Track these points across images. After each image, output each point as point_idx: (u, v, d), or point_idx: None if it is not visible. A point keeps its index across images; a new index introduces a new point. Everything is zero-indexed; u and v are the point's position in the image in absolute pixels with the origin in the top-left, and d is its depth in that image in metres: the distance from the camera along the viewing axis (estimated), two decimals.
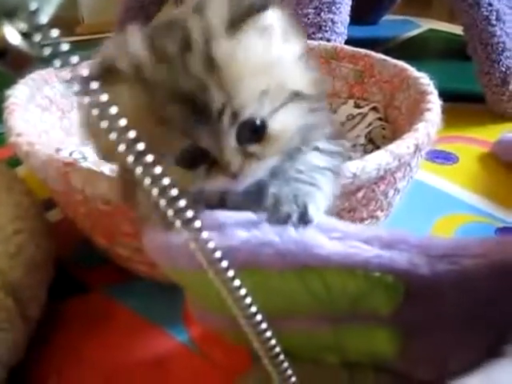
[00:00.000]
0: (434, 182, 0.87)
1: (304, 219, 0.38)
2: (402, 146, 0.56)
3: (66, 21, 1.56)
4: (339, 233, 0.38)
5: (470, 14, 1.03)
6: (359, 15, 1.03)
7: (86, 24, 1.65)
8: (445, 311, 0.37)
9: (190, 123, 0.37)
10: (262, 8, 0.40)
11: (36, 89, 0.72)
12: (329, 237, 0.38)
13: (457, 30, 1.50)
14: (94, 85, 0.26)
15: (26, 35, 0.25)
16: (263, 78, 0.39)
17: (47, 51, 0.25)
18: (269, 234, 0.37)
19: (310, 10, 0.96)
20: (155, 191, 0.28)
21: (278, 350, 0.33)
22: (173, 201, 0.29)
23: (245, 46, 0.39)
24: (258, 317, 0.32)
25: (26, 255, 0.56)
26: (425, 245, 0.37)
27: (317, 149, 0.45)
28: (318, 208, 0.40)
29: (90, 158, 0.72)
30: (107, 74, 0.37)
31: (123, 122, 0.27)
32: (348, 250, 0.37)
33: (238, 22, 0.39)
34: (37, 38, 0.25)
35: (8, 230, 0.56)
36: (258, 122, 0.39)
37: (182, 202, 0.29)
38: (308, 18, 0.96)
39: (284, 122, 0.41)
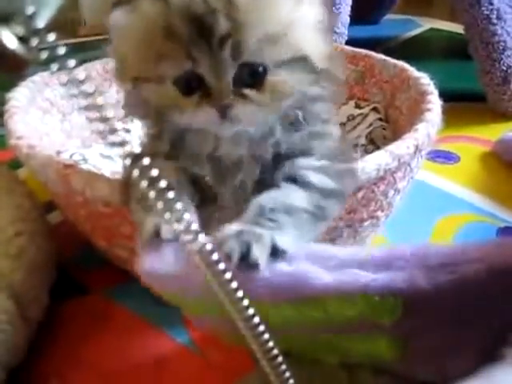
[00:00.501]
0: (436, 181, 0.87)
1: (247, 260, 0.36)
2: (401, 146, 0.56)
3: (67, 22, 1.57)
4: (333, 261, 0.37)
5: (471, 13, 1.02)
6: (360, 15, 1.03)
7: (88, 25, 1.65)
8: (444, 316, 0.37)
9: (194, 46, 0.38)
10: None
11: (37, 91, 0.73)
12: (323, 266, 0.37)
13: (458, 28, 1.49)
14: None
15: (22, 39, 0.25)
16: (275, 26, 0.39)
17: (44, 55, 0.25)
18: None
19: None
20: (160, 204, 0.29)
21: (275, 352, 0.33)
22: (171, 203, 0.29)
23: None
24: (256, 319, 0.32)
25: (27, 257, 0.56)
26: (422, 255, 0.37)
27: (305, 184, 0.44)
28: (263, 249, 0.37)
29: (90, 159, 0.72)
30: None
31: None
32: (345, 279, 0.36)
33: None
34: (34, 42, 0.25)
35: (9, 232, 0.56)
36: (259, 68, 0.40)
37: (179, 205, 0.29)
38: None
39: (285, 76, 0.41)
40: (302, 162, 0.44)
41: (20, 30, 0.25)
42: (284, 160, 0.44)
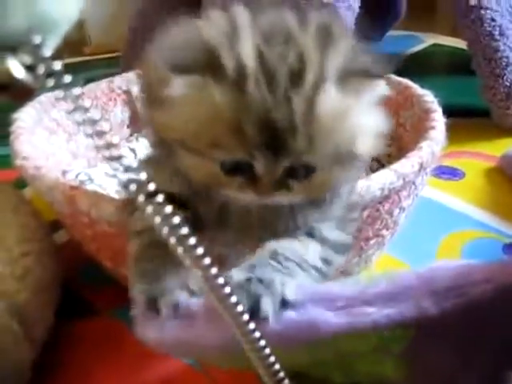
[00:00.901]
0: (441, 198, 0.87)
1: (257, 313, 0.37)
2: (406, 165, 0.57)
3: (73, 41, 1.59)
4: (339, 301, 0.37)
5: (473, 30, 1.03)
6: (363, 32, 1.03)
7: (94, 44, 1.66)
8: (450, 338, 0.37)
9: (260, 146, 0.38)
10: (377, 76, 0.40)
11: (43, 111, 0.73)
12: (330, 308, 0.37)
13: (461, 44, 1.50)
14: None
15: (29, 68, 0.25)
16: (343, 140, 0.40)
17: (50, 83, 0.25)
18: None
19: None
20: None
21: (282, 375, 0.33)
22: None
23: (345, 106, 0.39)
24: (262, 342, 0.32)
25: (33, 277, 0.56)
26: (428, 280, 0.37)
27: (321, 239, 0.45)
28: (272, 301, 0.38)
29: (95, 179, 0.72)
30: (208, 65, 0.37)
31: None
32: (354, 319, 0.36)
33: (350, 78, 0.39)
34: (40, 70, 0.25)
35: (15, 252, 0.56)
36: (310, 167, 0.40)
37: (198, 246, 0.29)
38: None
39: (332, 173, 0.41)
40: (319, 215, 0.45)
41: (27, 59, 0.25)
42: (300, 210, 0.45)
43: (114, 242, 0.56)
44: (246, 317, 0.31)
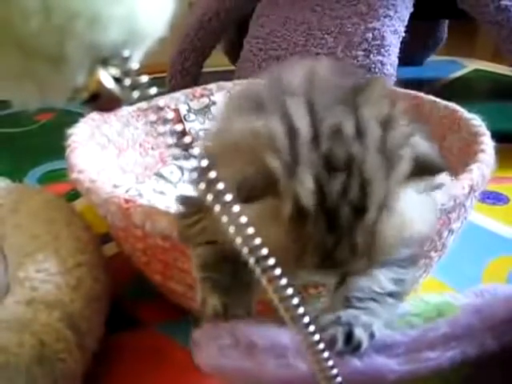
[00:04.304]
0: (485, 222, 0.86)
1: (350, 343, 0.37)
2: (457, 186, 0.56)
3: None
4: (400, 348, 0.37)
5: None
6: (404, 56, 1.04)
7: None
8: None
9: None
10: (438, 171, 0.40)
11: (96, 127, 0.75)
12: (391, 355, 0.37)
13: (502, 69, 1.50)
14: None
15: (116, 79, 0.27)
16: (407, 243, 0.40)
17: (136, 95, 0.27)
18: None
19: (359, 52, 0.98)
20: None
21: None
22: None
23: (407, 213, 0.38)
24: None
25: (86, 288, 0.57)
26: (487, 315, 0.37)
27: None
28: (365, 331, 0.38)
29: (145, 195, 0.74)
30: (266, 187, 0.36)
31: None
32: (418, 365, 0.36)
33: (414, 181, 0.38)
34: (127, 82, 0.26)
35: (69, 263, 0.58)
36: None
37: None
38: (357, 60, 0.98)
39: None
40: None
41: (115, 71, 0.26)
42: None
43: (165, 256, 0.57)
44: (326, 354, 0.31)
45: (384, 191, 0.36)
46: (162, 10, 0.27)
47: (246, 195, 0.35)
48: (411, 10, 1.06)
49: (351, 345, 0.37)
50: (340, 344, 0.37)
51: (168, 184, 0.83)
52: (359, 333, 0.37)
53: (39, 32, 0.23)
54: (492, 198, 0.93)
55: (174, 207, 0.54)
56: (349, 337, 0.37)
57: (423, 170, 0.38)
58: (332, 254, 0.36)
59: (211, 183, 0.28)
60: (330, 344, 0.36)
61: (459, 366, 0.36)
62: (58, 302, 0.54)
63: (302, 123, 0.37)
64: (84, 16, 0.23)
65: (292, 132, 0.36)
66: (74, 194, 0.65)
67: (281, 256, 0.32)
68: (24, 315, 0.53)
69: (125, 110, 0.79)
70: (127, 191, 0.73)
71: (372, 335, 0.38)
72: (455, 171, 0.64)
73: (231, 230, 0.28)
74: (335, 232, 0.36)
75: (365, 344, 0.37)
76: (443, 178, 0.45)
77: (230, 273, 0.42)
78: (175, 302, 0.65)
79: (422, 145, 0.39)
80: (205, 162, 0.27)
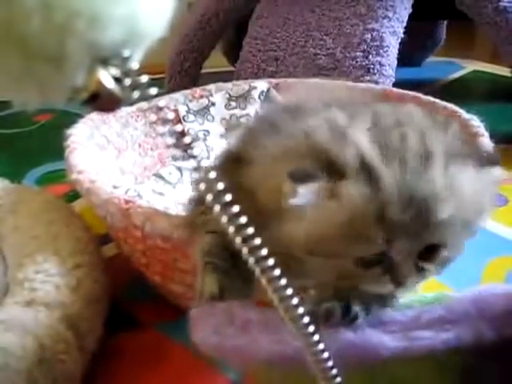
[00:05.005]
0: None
1: (347, 316, 0.37)
2: None
3: None
4: (395, 325, 0.37)
5: None
6: (403, 57, 1.04)
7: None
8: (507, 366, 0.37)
9: (401, 225, 0.36)
10: (498, 162, 0.39)
11: (95, 128, 0.75)
12: (386, 331, 0.37)
13: (501, 70, 1.50)
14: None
15: (116, 79, 0.27)
16: (473, 215, 0.39)
17: (136, 95, 0.27)
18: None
19: (358, 53, 0.98)
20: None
21: None
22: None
23: (479, 183, 0.38)
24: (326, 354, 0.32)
25: (85, 289, 0.58)
26: (484, 305, 0.37)
27: None
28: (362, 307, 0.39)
29: (144, 196, 0.74)
30: (328, 167, 0.36)
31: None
32: (411, 342, 0.36)
33: (478, 161, 0.38)
34: (127, 82, 0.26)
35: (69, 263, 0.58)
36: (440, 248, 0.38)
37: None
38: (356, 61, 0.98)
39: (455, 251, 0.40)
40: None
41: (114, 71, 0.26)
42: None
43: (165, 257, 0.57)
44: (311, 328, 0.31)
45: (445, 144, 0.37)
46: (162, 10, 0.27)
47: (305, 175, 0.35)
48: (410, 11, 1.06)
49: (348, 317, 0.37)
50: (337, 316, 0.37)
51: (167, 185, 0.82)
52: (356, 307, 0.38)
53: (40, 31, 0.23)
54: None
55: (172, 208, 0.54)
56: (346, 310, 0.37)
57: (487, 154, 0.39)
58: (415, 200, 0.35)
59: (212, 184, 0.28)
60: (327, 316, 0.37)
61: (456, 354, 0.36)
62: (58, 302, 0.54)
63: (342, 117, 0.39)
64: (84, 15, 0.23)
65: (334, 122, 0.39)
66: (72, 196, 0.65)
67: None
68: (23, 316, 0.53)
69: (124, 111, 0.79)
70: (126, 192, 0.73)
71: (368, 311, 0.38)
72: None
73: (231, 230, 0.28)
74: (408, 172, 0.35)
75: (361, 317, 0.37)
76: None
77: (233, 263, 0.41)
78: (174, 302, 0.65)
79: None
80: (206, 162, 0.27)
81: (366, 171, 0.35)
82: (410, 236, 0.36)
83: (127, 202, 0.55)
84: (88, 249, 0.62)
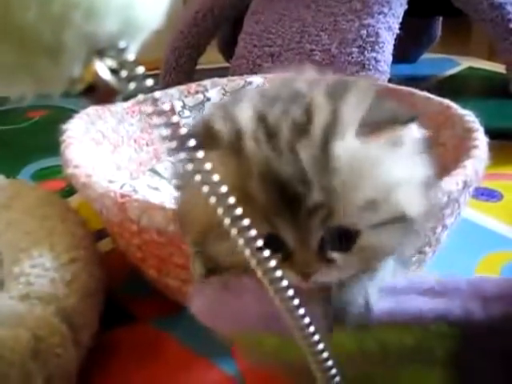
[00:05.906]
0: (479, 219, 0.87)
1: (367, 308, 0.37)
2: (450, 182, 0.57)
3: None
4: (386, 290, 0.38)
5: None
6: (398, 53, 1.05)
7: None
8: (497, 351, 0.37)
9: (276, 211, 0.34)
10: (406, 122, 0.36)
11: (90, 123, 0.75)
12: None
13: (496, 67, 1.50)
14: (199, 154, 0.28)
15: (113, 71, 0.27)
16: (375, 191, 0.35)
17: (132, 86, 0.27)
18: None
19: (353, 49, 0.98)
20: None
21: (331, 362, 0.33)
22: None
23: (370, 155, 0.35)
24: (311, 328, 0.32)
25: (80, 283, 0.58)
26: (478, 285, 0.37)
27: None
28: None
29: (140, 191, 0.74)
30: (205, 135, 0.35)
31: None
32: (401, 305, 0.37)
33: (373, 127, 0.35)
34: (124, 73, 0.26)
35: (64, 258, 0.58)
36: (349, 232, 0.35)
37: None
38: (352, 57, 0.98)
39: (378, 238, 0.36)
40: None
41: (111, 63, 0.26)
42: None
43: (160, 251, 0.57)
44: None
45: (331, 115, 0.35)
46: (159, 1, 0.27)
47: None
48: (405, 7, 1.07)
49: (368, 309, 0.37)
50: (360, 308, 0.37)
51: (162, 180, 0.83)
52: (373, 296, 0.38)
53: (36, 22, 0.23)
54: (485, 194, 0.93)
55: (168, 203, 0.54)
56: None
57: (383, 118, 0.36)
58: (280, 181, 0.33)
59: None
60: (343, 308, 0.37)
61: (442, 322, 0.36)
62: (53, 296, 0.54)
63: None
64: (81, 6, 0.23)
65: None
66: (67, 191, 0.64)
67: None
68: (19, 310, 0.53)
69: (119, 106, 0.79)
70: (122, 187, 0.73)
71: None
72: (449, 167, 0.64)
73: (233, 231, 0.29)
74: (276, 148, 0.34)
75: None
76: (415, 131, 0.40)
77: None
78: (170, 297, 0.65)
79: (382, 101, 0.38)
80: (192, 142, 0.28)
81: (237, 145, 0.34)
82: (294, 220, 0.34)
83: (123, 195, 0.55)
84: (83, 244, 0.62)
